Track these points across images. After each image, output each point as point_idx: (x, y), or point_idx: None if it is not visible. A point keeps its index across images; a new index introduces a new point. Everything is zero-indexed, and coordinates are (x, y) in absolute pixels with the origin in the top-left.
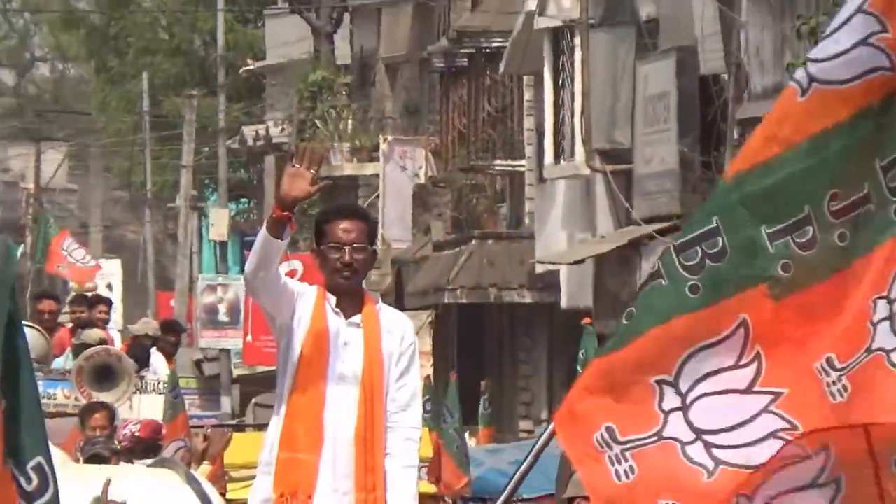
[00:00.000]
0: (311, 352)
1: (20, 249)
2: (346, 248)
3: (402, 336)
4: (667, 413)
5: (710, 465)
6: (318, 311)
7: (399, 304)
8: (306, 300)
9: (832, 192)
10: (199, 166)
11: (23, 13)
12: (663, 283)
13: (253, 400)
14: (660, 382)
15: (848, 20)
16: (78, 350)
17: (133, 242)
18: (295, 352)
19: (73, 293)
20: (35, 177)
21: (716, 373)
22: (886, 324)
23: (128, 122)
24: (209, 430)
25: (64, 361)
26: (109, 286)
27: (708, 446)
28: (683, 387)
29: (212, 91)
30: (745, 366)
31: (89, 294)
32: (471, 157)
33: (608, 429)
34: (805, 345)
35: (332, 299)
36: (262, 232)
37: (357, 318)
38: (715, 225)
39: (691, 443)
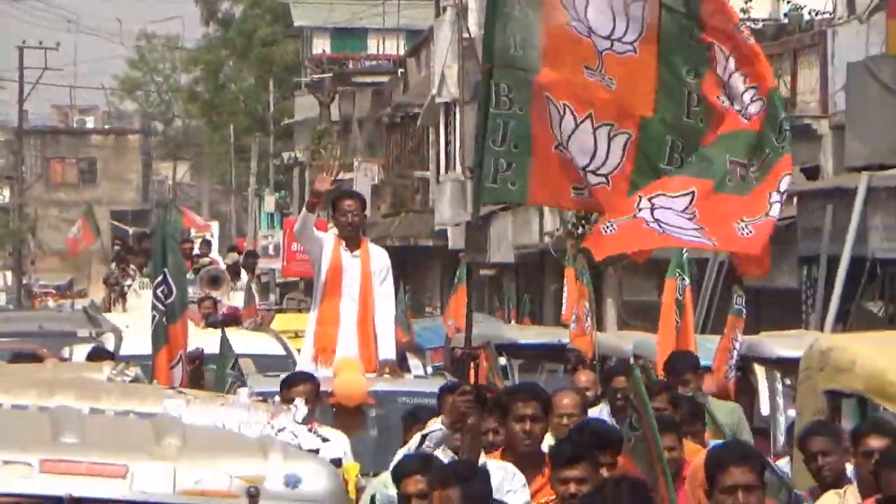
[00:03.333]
0: (332, 270)
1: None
2: (349, 214)
3: (381, 261)
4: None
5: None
6: (335, 249)
7: None
8: (328, 243)
9: None
10: (259, 173)
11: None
12: None
13: (286, 296)
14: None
15: None
16: (197, 269)
17: (225, 213)
18: (323, 269)
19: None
20: (172, 177)
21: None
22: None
23: (221, 151)
24: (265, 312)
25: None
26: (212, 235)
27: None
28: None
29: (266, 134)
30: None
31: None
32: (402, 169)
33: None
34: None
35: (342, 242)
36: (304, 210)
37: (357, 252)
38: None
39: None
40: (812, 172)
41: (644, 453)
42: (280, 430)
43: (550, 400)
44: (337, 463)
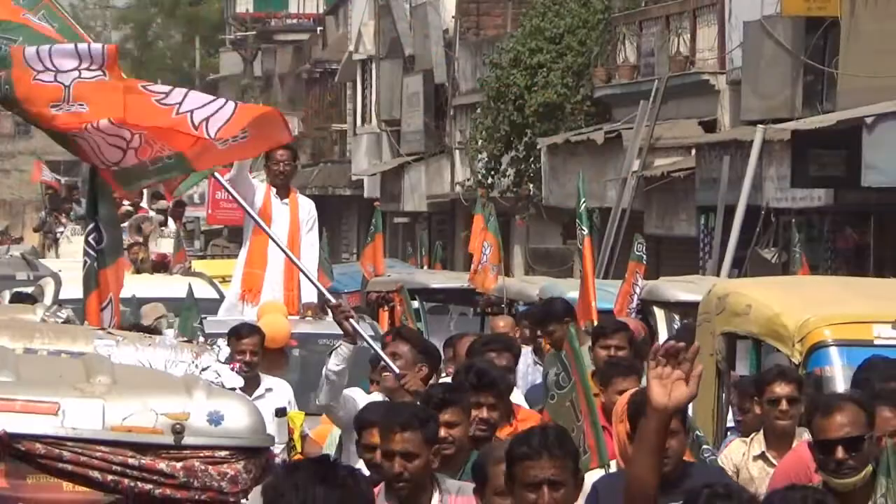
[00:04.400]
0: (262, 216)
1: None
2: (281, 164)
3: (309, 211)
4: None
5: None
6: (266, 196)
7: None
8: (260, 190)
9: None
10: None
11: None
12: None
13: (210, 242)
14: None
15: None
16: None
17: None
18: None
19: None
20: None
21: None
22: None
23: None
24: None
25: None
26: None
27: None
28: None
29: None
30: None
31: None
32: (321, 122)
33: None
34: None
35: (273, 190)
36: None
37: (286, 200)
38: None
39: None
40: (710, 125)
41: (567, 411)
42: (204, 370)
43: (520, 350)
44: (282, 412)
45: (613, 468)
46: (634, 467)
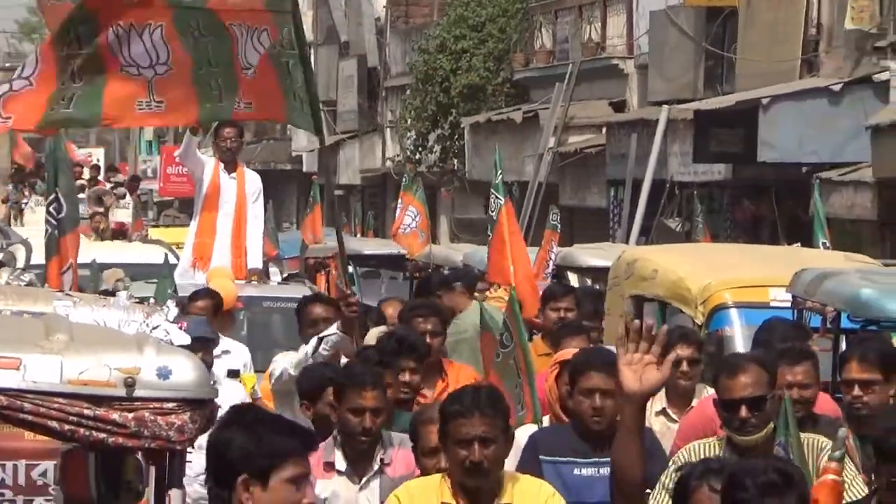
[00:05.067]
0: (211, 188)
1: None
2: (228, 140)
3: (255, 185)
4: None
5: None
6: (215, 170)
7: None
8: (209, 165)
9: None
10: None
11: None
12: None
13: (162, 212)
14: None
15: None
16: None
17: (110, 140)
18: (204, 187)
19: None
20: None
21: None
22: None
23: None
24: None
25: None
26: (99, 160)
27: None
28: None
29: None
30: None
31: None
32: None
33: None
34: None
35: (221, 165)
36: (187, 134)
37: (234, 174)
38: None
39: None
40: (619, 106)
41: (511, 369)
42: (154, 328)
43: (445, 313)
44: (234, 373)
45: (546, 423)
46: (618, 455)
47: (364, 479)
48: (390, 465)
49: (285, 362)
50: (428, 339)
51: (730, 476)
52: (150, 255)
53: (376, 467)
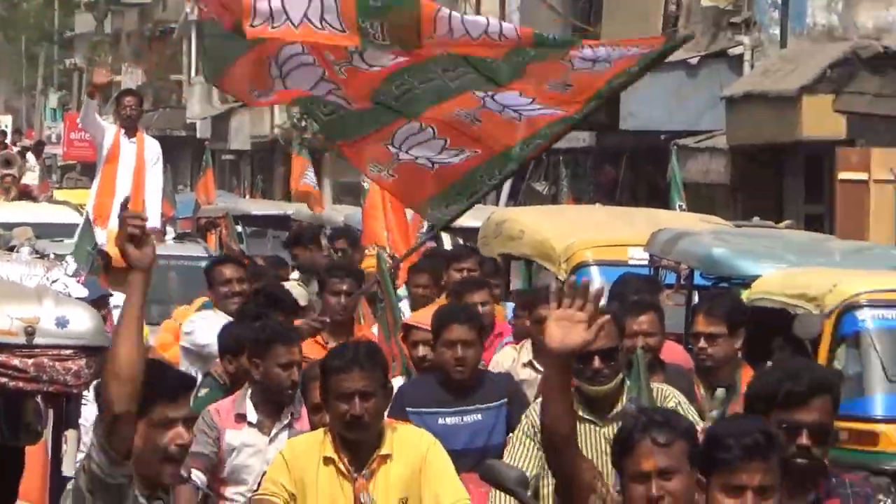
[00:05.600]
0: (112, 150)
1: None
2: (129, 108)
3: (154, 151)
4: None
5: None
6: (116, 135)
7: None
8: (110, 131)
9: None
10: (46, 76)
11: None
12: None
13: (65, 175)
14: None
15: None
16: None
17: (17, 108)
18: (105, 151)
19: None
20: None
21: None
22: None
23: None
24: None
25: None
26: (7, 126)
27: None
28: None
29: (52, 45)
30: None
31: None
32: (161, 73)
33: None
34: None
35: (122, 130)
36: (86, 99)
37: (134, 139)
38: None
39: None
40: None
41: (385, 324)
42: (54, 282)
43: (363, 275)
44: None
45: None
46: (546, 415)
47: (274, 432)
48: (299, 419)
49: (209, 337)
50: (343, 300)
51: (711, 436)
52: (58, 214)
53: (286, 421)
